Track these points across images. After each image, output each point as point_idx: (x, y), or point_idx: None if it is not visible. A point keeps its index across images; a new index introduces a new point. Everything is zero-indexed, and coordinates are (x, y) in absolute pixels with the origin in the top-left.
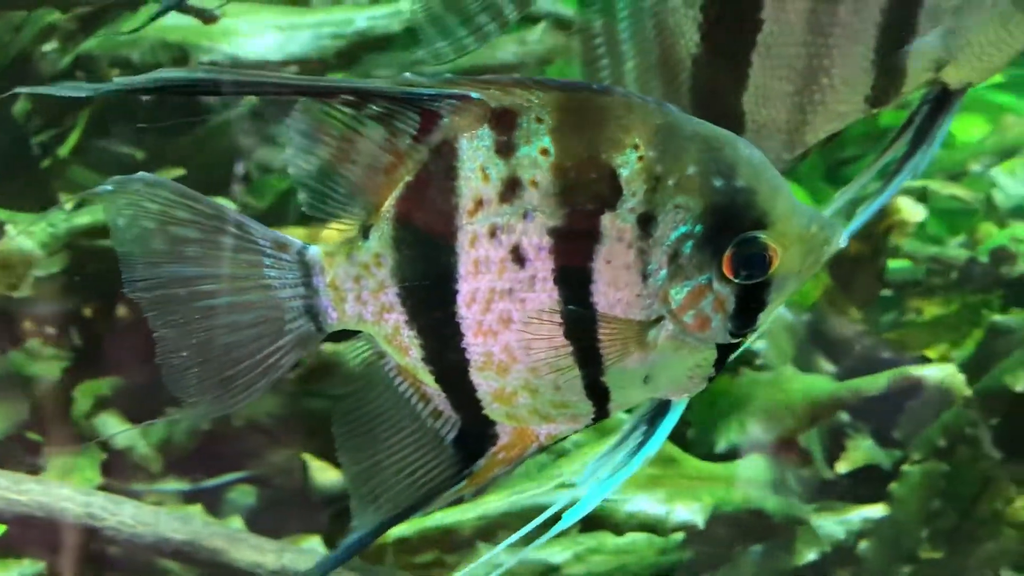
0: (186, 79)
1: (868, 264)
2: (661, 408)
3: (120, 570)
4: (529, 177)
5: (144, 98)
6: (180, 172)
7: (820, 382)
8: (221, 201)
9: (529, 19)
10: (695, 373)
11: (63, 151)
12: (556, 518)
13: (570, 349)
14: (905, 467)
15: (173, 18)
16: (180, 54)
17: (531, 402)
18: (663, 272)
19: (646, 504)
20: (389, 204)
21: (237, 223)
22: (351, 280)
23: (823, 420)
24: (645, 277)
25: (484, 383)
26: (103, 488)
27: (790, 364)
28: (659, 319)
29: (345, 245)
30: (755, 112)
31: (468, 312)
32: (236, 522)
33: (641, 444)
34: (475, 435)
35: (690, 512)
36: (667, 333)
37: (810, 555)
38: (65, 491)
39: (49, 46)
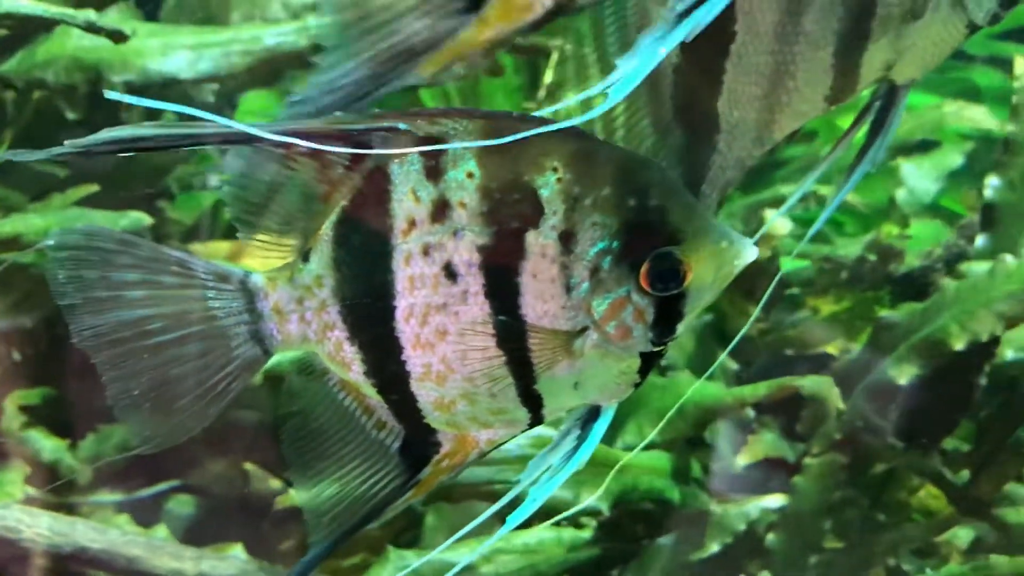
0: (133, 136)
1: (765, 265)
2: (592, 413)
3: None
4: (457, 199)
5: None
6: (94, 188)
7: (710, 388)
8: (142, 216)
9: None
10: (621, 380)
11: None
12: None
13: (503, 359)
14: (807, 460)
15: (87, 39)
16: (94, 74)
17: (470, 409)
18: (585, 285)
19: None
20: (327, 228)
21: (178, 261)
22: (294, 302)
23: (711, 423)
24: (569, 290)
25: (424, 393)
26: (31, 502)
27: (687, 368)
28: (584, 329)
29: (285, 269)
30: (728, 114)
31: (406, 326)
32: (162, 531)
33: (575, 448)
34: (418, 443)
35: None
36: (592, 342)
37: (715, 547)
38: None
39: None
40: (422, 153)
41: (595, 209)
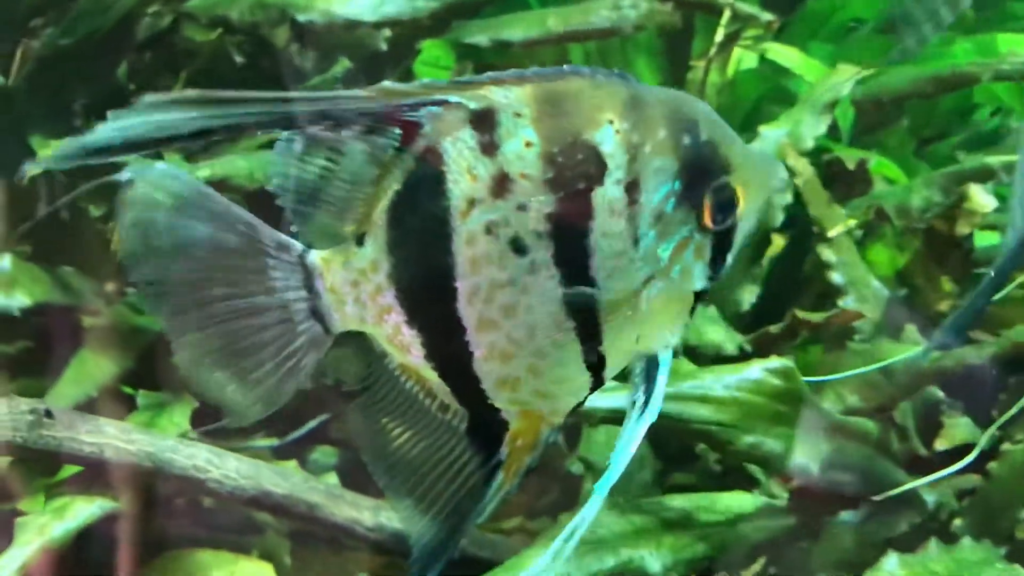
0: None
1: (958, 240)
2: (651, 363)
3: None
4: (518, 171)
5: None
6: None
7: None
8: None
9: None
10: (677, 322)
11: None
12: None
13: (573, 326)
14: (1006, 446)
15: None
16: (278, 13)
17: (534, 383)
18: (652, 233)
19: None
20: (380, 211)
21: (246, 223)
22: (348, 285)
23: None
24: (636, 241)
25: (488, 372)
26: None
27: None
28: (649, 279)
29: (340, 252)
30: None
31: (469, 308)
32: (332, 478)
33: (645, 402)
34: (485, 423)
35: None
36: (657, 290)
37: (904, 526)
38: (170, 442)
39: (153, 7)
40: (474, 127)
41: (655, 154)
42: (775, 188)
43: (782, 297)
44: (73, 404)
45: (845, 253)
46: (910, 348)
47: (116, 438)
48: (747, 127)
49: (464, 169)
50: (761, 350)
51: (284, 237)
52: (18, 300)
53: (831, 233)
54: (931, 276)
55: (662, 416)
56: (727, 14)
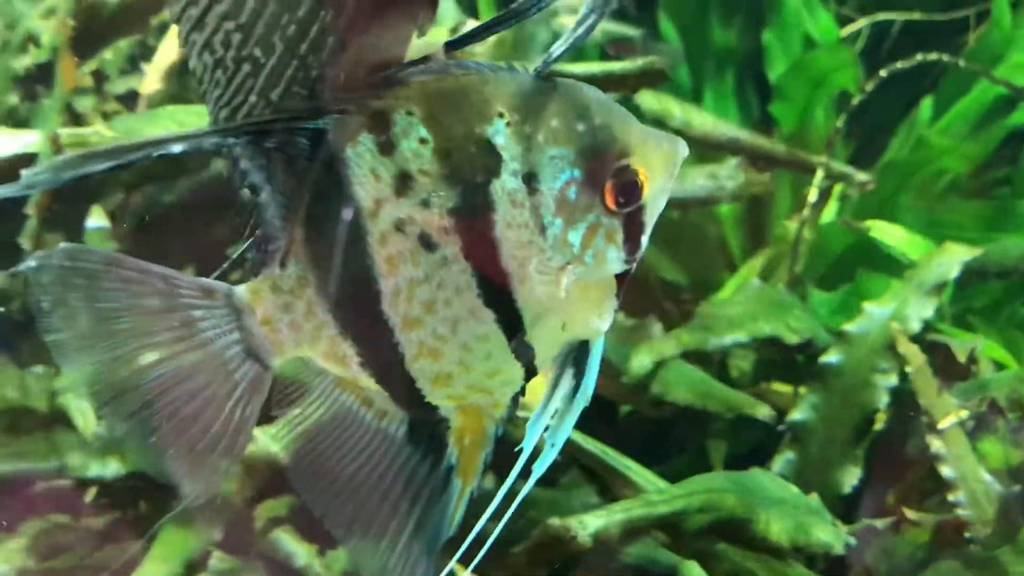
0: (86, 162)
1: None
2: (580, 348)
3: None
4: (416, 168)
5: None
6: None
7: None
8: None
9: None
10: (603, 307)
11: None
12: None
13: (493, 316)
14: None
15: None
16: None
17: (467, 377)
18: (558, 221)
19: None
20: (298, 225)
21: (162, 277)
22: (280, 310)
23: None
24: (543, 230)
25: (421, 371)
26: None
27: None
28: (564, 267)
29: (266, 279)
30: None
31: (394, 308)
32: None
33: (576, 387)
34: (424, 423)
35: None
36: (574, 277)
37: None
38: None
39: None
40: (370, 130)
41: (550, 143)
42: (677, 166)
43: (884, 479)
44: None
45: (955, 446)
46: None
47: None
48: (831, 283)
49: (367, 171)
50: None
51: (207, 282)
52: None
53: (942, 425)
54: None
55: None
56: (820, 173)
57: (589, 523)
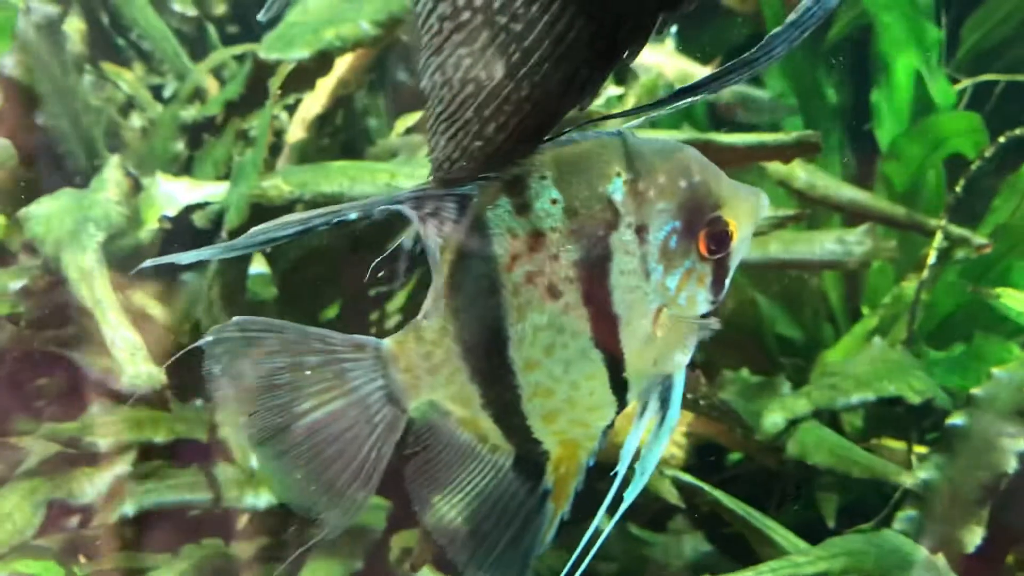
0: (273, 232)
1: None
2: (665, 382)
3: None
4: (548, 225)
5: None
6: None
7: None
8: None
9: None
10: (688, 344)
11: None
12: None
13: (601, 356)
14: None
15: None
16: None
17: (571, 414)
18: (660, 268)
19: None
20: (442, 280)
21: (319, 337)
22: (422, 358)
23: None
24: (648, 275)
25: (532, 409)
26: None
27: None
28: (660, 308)
29: (410, 330)
30: None
31: (518, 351)
32: None
33: (662, 418)
34: (528, 455)
35: None
36: (667, 318)
37: None
38: None
39: None
40: (507, 193)
41: (658, 198)
42: (759, 217)
43: (1005, 539)
44: None
45: None
46: None
47: None
48: (940, 342)
49: (505, 230)
50: None
51: (359, 338)
52: None
53: None
54: None
55: None
56: (939, 236)
57: None
